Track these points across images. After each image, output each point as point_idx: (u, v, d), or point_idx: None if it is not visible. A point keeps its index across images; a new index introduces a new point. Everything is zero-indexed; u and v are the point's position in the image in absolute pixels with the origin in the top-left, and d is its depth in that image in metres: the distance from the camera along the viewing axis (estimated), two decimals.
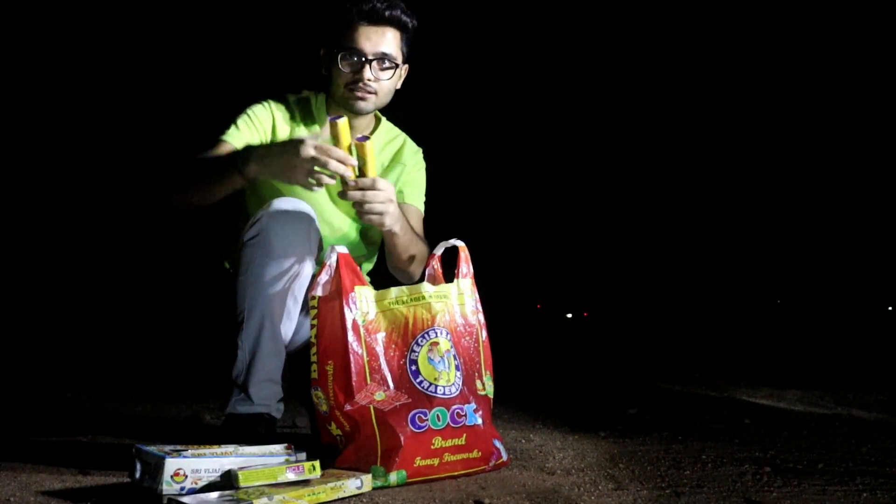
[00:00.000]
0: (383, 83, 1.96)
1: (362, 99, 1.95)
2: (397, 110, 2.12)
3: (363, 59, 1.93)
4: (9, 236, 6.08)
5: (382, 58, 1.93)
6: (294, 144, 1.68)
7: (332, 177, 1.69)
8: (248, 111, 1.99)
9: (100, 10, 6.01)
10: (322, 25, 2.03)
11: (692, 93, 7.52)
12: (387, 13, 1.93)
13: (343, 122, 1.72)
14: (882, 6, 6.69)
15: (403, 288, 1.80)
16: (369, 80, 1.93)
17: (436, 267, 1.90)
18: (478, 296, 1.90)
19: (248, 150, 1.78)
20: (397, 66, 1.97)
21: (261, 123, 1.99)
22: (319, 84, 2.07)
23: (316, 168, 1.67)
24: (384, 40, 1.94)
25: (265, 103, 2.02)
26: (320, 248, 1.91)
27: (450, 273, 1.89)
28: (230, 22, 6.16)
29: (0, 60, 5.81)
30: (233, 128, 1.96)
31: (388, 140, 2.12)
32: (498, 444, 1.79)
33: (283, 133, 2.02)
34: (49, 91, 6.20)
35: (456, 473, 1.71)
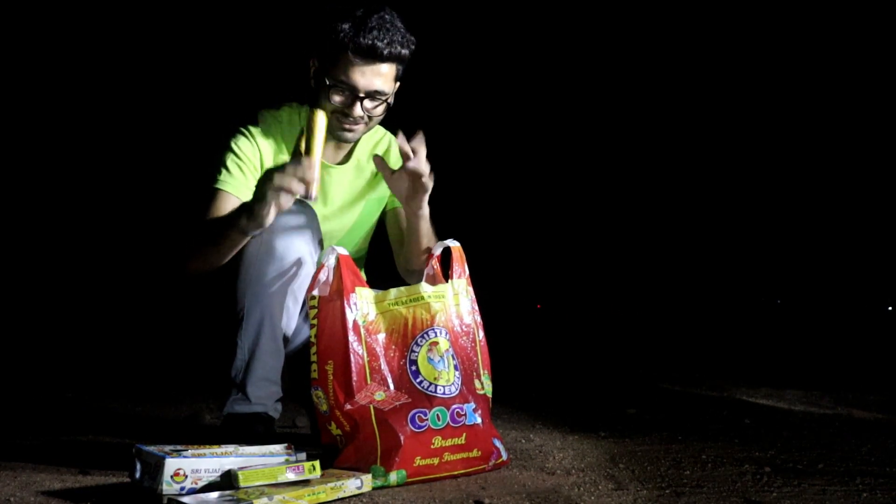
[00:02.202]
0: (373, 116, 1.90)
1: (349, 131, 1.89)
2: (395, 109, 2.09)
3: (354, 95, 1.84)
4: (9, 236, 6.09)
5: (374, 94, 1.85)
6: (260, 188, 1.66)
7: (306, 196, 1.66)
8: (234, 148, 1.91)
9: (92, 15, 6.03)
10: (313, 32, 1.91)
11: (692, 92, 7.52)
12: (386, 52, 1.82)
13: (321, 115, 1.71)
14: (882, 6, 6.69)
15: (402, 289, 1.81)
16: (359, 115, 1.86)
17: (435, 267, 1.90)
18: (474, 296, 1.90)
19: (242, 207, 1.74)
20: (388, 99, 1.89)
21: (250, 160, 1.91)
22: (304, 89, 1.98)
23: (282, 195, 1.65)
24: (379, 77, 1.84)
25: (248, 135, 1.92)
26: (321, 247, 1.91)
27: (447, 273, 1.90)
28: (217, 23, 6.17)
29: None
30: (224, 173, 1.88)
31: (374, 142, 2.08)
32: (498, 443, 1.79)
33: (269, 160, 1.95)
34: (48, 94, 6.21)
35: (456, 473, 1.71)
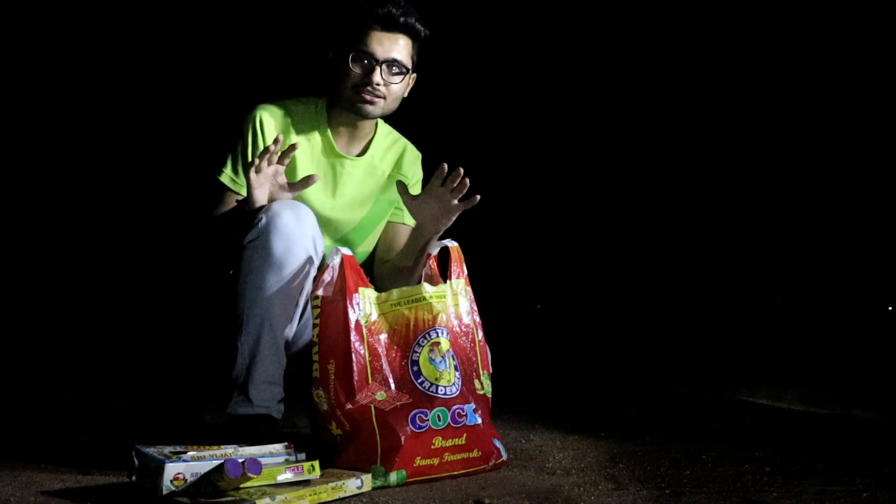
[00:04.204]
0: (392, 88, 1.93)
1: (370, 102, 1.92)
2: (402, 111, 2.09)
3: (374, 62, 1.90)
4: (9, 236, 6.08)
5: (393, 63, 1.91)
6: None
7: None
8: (248, 142, 1.96)
9: (101, 10, 6.02)
10: (333, 28, 1.99)
11: (691, 92, 7.52)
12: (402, 20, 1.91)
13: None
14: (882, 6, 6.69)
15: (404, 289, 1.81)
16: (378, 84, 1.90)
17: (433, 267, 1.90)
18: (472, 296, 1.90)
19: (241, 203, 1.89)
20: (407, 72, 1.94)
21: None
22: (325, 87, 2.02)
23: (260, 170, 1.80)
24: (396, 46, 1.91)
25: (258, 128, 1.96)
26: (323, 246, 1.91)
27: (446, 273, 1.90)
28: (235, 21, 6.15)
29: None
30: (231, 168, 1.96)
31: (388, 146, 2.10)
32: (498, 443, 1.79)
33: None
34: (47, 92, 6.21)
35: (456, 473, 1.71)
